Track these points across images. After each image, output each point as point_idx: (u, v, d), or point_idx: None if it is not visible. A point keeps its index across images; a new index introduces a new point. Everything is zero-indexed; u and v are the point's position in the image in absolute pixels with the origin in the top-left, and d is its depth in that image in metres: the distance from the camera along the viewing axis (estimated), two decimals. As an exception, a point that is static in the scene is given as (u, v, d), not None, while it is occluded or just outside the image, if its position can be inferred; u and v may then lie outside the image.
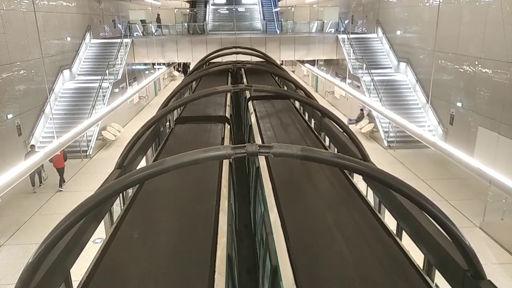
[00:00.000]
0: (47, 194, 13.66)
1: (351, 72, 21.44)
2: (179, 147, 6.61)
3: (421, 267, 3.51)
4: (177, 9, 28.61)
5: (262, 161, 5.64)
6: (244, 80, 13.83)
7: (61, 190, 13.97)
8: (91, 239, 4.26)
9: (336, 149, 7.20)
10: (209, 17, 31.69)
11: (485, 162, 10.60)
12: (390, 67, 21.39)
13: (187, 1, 35.29)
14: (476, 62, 14.07)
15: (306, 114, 9.93)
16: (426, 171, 14.81)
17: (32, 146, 14.48)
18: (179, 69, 42.21)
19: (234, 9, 30.13)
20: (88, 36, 22.61)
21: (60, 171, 14.11)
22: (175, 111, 9.31)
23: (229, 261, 3.60)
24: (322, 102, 25.39)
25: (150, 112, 21.11)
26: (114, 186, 2.86)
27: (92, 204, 2.77)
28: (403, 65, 20.41)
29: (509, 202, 10.56)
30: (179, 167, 2.89)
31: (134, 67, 25.97)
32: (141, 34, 26.52)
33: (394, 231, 4.11)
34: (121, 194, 5.31)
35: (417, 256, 3.68)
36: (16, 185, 9.17)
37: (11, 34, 14.94)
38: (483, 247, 10.09)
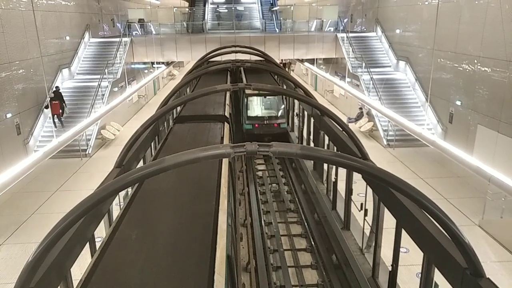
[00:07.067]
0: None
1: (351, 71, 21.42)
2: (179, 146, 6.59)
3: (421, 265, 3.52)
4: (176, 8, 28.55)
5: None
6: (244, 79, 13.83)
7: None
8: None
9: (335, 148, 7.21)
10: (208, 16, 31.64)
11: (484, 161, 10.62)
12: (390, 66, 21.37)
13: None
14: (475, 61, 14.06)
15: (306, 113, 9.93)
16: (426, 169, 14.81)
17: (57, 87, 17.00)
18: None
19: (233, 8, 30.09)
20: (87, 35, 22.55)
21: (58, 117, 17.14)
22: (174, 110, 9.30)
23: (228, 261, 3.58)
24: (322, 101, 25.42)
25: (149, 111, 21.09)
26: (114, 185, 2.86)
27: (92, 203, 2.76)
28: (402, 63, 20.40)
29: (508, 200, 10.57)
30: (179, 166, 2.89)
31: (133, 66, 25.92)
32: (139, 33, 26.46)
33: (394, 230, 4.11)
34: (120, 193, 5.31)
35: (417, 254, 3.69)
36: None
37: (10, 33, 14.90)
38: (482, 245, 10.10)
